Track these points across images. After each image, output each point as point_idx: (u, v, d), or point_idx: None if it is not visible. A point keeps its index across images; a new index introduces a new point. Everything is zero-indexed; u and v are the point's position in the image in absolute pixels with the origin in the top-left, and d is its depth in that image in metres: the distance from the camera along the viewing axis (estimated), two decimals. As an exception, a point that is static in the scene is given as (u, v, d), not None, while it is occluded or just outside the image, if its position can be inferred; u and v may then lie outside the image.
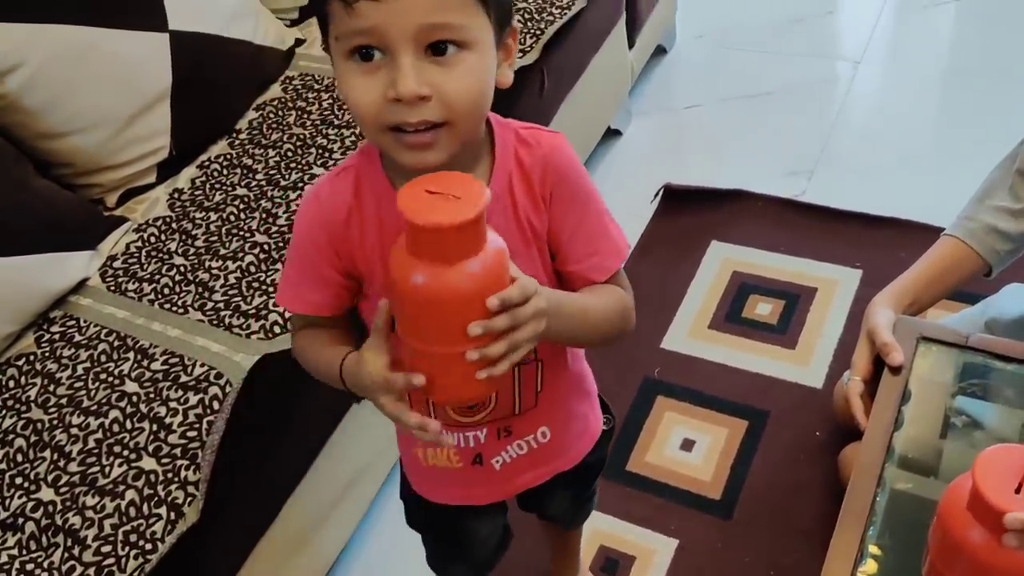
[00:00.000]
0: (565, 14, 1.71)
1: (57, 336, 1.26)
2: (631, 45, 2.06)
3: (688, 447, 1.51)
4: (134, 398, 1.15)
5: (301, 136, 1.53)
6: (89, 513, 1.04)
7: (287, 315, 1.20)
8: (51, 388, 1.18)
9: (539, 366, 0.85)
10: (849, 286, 1.70)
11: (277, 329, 1.21)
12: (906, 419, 0.95)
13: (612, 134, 2.12)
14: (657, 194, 1.94)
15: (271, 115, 1.60)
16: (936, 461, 0.93)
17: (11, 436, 1.14)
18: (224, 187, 1.47)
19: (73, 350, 1.23)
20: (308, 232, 0.79)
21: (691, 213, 1.90)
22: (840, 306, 1.67)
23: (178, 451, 1.09)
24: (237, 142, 1.56)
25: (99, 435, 1.12)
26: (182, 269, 1.33)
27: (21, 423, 1.15)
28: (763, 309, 1.70)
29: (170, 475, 1.07)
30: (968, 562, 0.69)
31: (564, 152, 0.78)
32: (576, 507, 1.15)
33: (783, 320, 1.68)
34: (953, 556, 0.71)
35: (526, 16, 1.71)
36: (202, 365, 1.17)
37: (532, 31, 1.68)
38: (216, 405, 1.13)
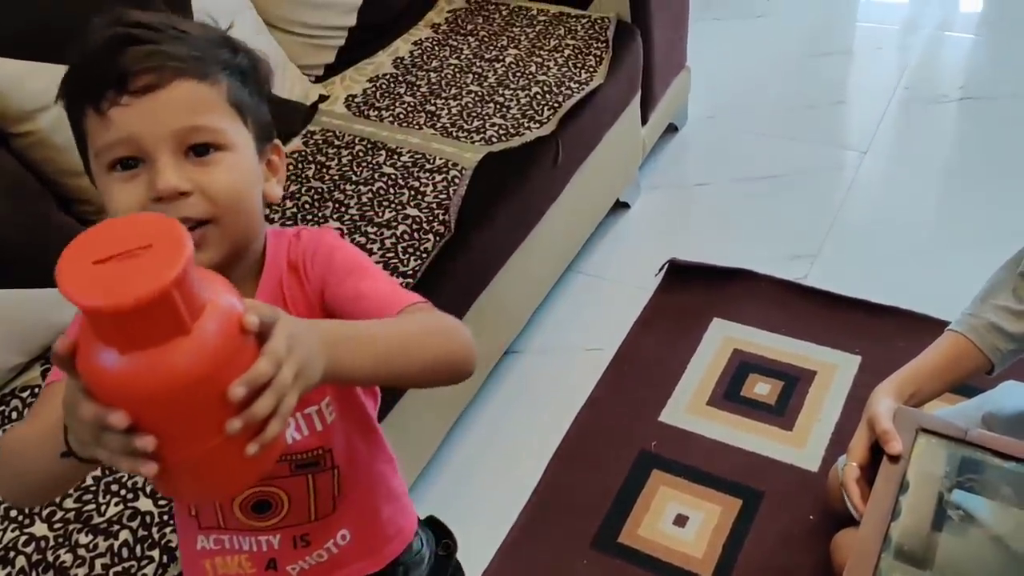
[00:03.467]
0: (583, 89, 1.76)
1: (63, 370, 1.27)
2: (644, 121, 2.12)
3: (681, 522, 1.50)
4: (135, 437, 1.15)
5: (319, 190, 1.56)
6: (81, 551, 1.04)
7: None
8: (53, 422, 1.19)
9: (335, 473, 0.81)
10: (848, 371, 1.71)
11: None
12: (903, 509, 0.96)
13: (620, 206, 2.16)
14: (662, 268, 1.97)
15: (291, 167, 1.64)
16: (931, 554, 0.93)
17: (9, 468, 1.14)
18: (240, 234, 1.49)
19: (78, 385, 1.24)
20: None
21: (695, 289, 1.93)
22: (838, 391, 1.68)
23: (175, 494, 1.09)
24: (256, 191, 1.59)
25: (97, 472, 1.12)
26: (192, 312, 1.34)
27: (21, 455, 1.15)
28: (762, 389, 1.71)
29: (165, 517, 1.07)
30: None
31: (326, 237, 0.78)
32: None
33: (781, 401, 1.69)
34: None
35: (545, 88, 1.77)
36: None
37: (550, 103, 1.73)
38: (217, 450, 1.13)
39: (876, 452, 1.04)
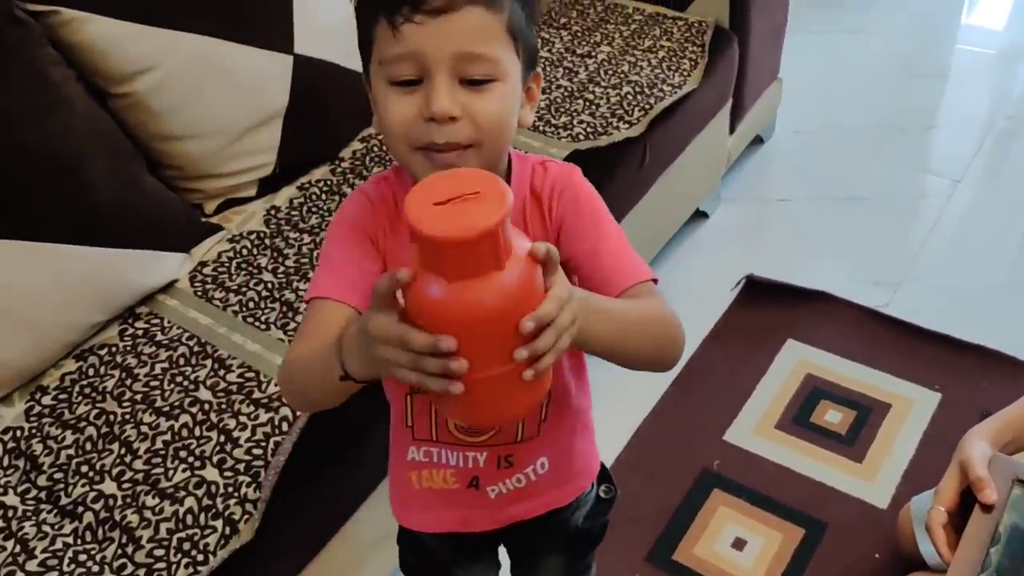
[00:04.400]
0: (676, 93, 1.72)
1: (140, 332, 1.28)
2: (731, 131, 2.07)
3: (739, 546, 1.46)
4: (206, 406, 1.16)
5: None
6: (147, 513, 1.04)
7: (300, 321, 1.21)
8: (128, 382, 1.20)
9: (547, 397, 0.83)
10: (926, 408, 1.65)
11: (355, 360, 1.21)
12: (993, 563, 0.91)
13: (699, 216, 2.12)
14: (739, 283, 1.92)
15: (375, 148, 1.63)
16: (1019, 612, 0.89)
17: (83, 424, 1.15)
18: (320, 211, 1.49)
19: (154, 348, 1.25)
20: (354, 225, 0.80)
21: (770, 308, 1.87)
22: (914, 427, 1.62)
23: (241, 466, 1.09)
24: (339, 169, 1.59)
25: (167, 437, 1.13)
26: (269, 286, 1.34)
27: (95, 412, 1.16)
28: (833, 417, 1.66)
29: (230, 489, 1.07)
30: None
31: (575, 177, 0.82)
32: None
33: (852, 431, 1.63)
34: None
35: (636, 89, 1.73)
36: (277, 384, 1.18)
37: (641, 104, 1.69)
38: (285, 426, 1.13)
39: (966, 498, 1.00)
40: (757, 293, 1.91)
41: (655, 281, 0.79)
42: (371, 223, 0.80)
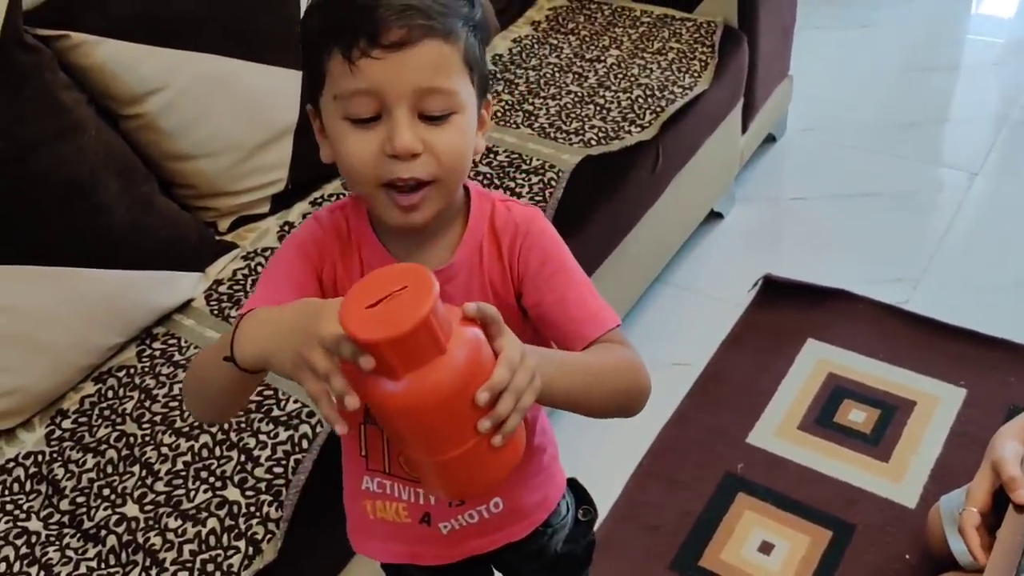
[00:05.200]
0: (687, 94, 1.71)
1: (158, 353, 1.28)
2: (744, 130, 2.05)
3: (767, 550, 1.45)
4: (225, 425, 1.15)
5: (414, 185, 1.55)
6: (170, 535, 1.04)
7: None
8: (147, 404, 1.20)
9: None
10: (951, 404, 1.63)
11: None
12: (1029, 564, 0.89)
13: (713, 217, 2.10)
14: (756, 283, 1.90)
15: (386, 160, 1.63)
16: (1058, 614, 0.87)
17: (104, 447, 1.15)
18: (334, 226, 1.49)
19: (172, 369, 1.25)
20: (302, 246, 0.80)
21: (789, 308, 1.85)
22: (940, 424, 1.60)
23: (263, 485, 1.08)
24: (351, 183, 1.58)
25: (188, 457, 1.12)
26: (285, 302, 1.34)
27: (115, 435, 1.16)
28: (857, 416, 1.64)
29: (252, 508, 1.06)
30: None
31: (537, 221, 0.80)
32: None
33: (877, 430, 1.61)
34: None
35: (647, 92, 1.72)
36: (295, 401, 1.17)
37: (652, 107, 1.68)
38: (305, 444, 1.12)
39: (999, 498, 0.98)
40: (775, 293, 1.89)
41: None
42: (319, 250, 0.79)
